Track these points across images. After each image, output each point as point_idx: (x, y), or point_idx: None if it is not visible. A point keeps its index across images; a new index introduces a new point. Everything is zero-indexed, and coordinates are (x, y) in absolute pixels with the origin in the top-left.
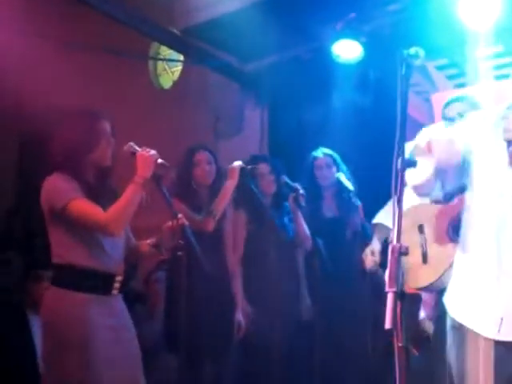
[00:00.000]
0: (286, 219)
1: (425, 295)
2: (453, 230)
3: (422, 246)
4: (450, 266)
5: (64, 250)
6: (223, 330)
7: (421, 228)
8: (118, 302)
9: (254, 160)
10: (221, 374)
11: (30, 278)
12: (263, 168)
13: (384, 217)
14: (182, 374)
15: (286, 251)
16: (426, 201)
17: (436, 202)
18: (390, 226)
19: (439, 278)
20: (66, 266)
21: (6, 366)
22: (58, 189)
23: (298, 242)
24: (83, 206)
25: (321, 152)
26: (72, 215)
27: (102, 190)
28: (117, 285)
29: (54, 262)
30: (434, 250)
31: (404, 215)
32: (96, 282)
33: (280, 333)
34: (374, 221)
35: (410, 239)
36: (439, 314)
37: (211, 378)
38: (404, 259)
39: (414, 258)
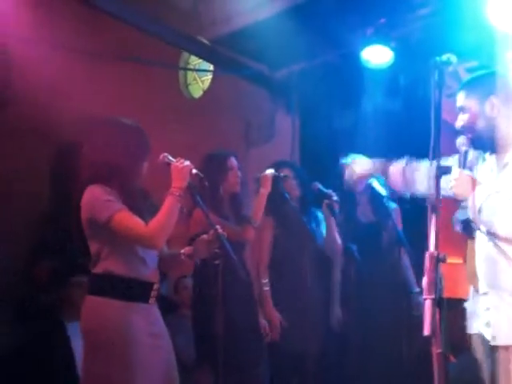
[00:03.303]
0: (313, 225)
1: None
2: None
3: None
4: None
5: (104, 259)
6: (256, 338)
7: None
8: (155, 310)
9: (277, 165)
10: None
11: (69, 284)
12: (286, 173)
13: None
14: None
15: (315, 257)
16: None
17: None
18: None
19: None
20: (105, 275)
21: (46, 374)
22: (102, 200)
23: (328, 248)
24: (127, 219)
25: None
26: (115, 228)
27: (143, 202)
28: (154, 293)
29: (93, 272)
30: None
31: None
32: (135, 291)
33: (311, 341)
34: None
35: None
36: None
37: None
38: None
39: None
